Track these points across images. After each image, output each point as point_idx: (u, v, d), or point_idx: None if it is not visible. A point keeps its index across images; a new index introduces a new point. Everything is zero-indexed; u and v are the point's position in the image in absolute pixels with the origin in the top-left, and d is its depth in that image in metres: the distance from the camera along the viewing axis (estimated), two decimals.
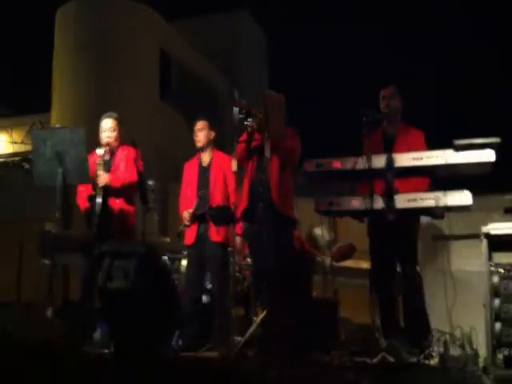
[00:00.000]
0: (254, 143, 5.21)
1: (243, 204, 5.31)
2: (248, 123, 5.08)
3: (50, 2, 15.55)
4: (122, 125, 5.84)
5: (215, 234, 5.67)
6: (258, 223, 5.10)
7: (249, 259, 6.00)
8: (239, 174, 5.26)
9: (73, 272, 7.76)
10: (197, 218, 5.78)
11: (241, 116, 5.04)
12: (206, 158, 5.97)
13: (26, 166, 5.70)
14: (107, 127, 5.75)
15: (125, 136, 5.79)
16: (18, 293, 6.59)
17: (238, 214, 5.24)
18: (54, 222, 5.23)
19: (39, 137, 5.29)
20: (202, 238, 5.76)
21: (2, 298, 6.76)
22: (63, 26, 15.26)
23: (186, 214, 5.79)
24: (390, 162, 4.68)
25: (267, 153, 4.87)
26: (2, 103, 18.68)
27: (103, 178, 5.51)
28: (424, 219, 5.19)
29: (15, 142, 15.74)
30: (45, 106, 15.39)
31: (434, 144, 4.95)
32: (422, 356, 4.36)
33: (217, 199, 5.76)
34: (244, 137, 5.21)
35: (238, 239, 5.53)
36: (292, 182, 5.40)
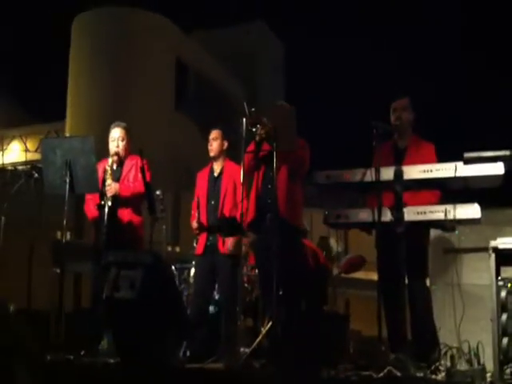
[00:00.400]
0: (261, 153, 5.18)
1: (250, 215, 5.29)
2: (256, 130, 5.05)
3: (67, 10, 15.69)
4: (130, 134, 5.84)
5: (222, 244, 5.66)
6: (265, 234, 5.08)
7: (257, 270, 5.99)
8: (246, 185, 5.23)
9: (85, 280, 7.80)
10: (205, 228, 5.78)
11: (250, 127, 5.02)
12: (217, 167, 5.99)
13: (35, 174, 5.72)
14: (116, 137, 5.75)
15: (137, 144, 5.78)
16: (28, 300, 6.62)
17: (246, 224, 5.21)
18: (65, 230, 5.25)
19: (49, 145, 5.30)
20: (210, 248, 5.76)
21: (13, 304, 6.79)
22: (80, 34, 15.42)
23: (195, 224, 5.79)
24: (399, 174, 4.65)
25: (275, 163, 4.85)
26: (17, 111, 18.81)
27: (113, 187, 5.52)
28: (435, 232, 5.15)
29: (28, 150, 15.83)
30: (59, 115, 15.52)
31: (444, 157, 4.91)
32: (428, 370, 4.30)
33: (227, 209, 5.76)
34: (252, 147, 5.19)
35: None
36: (301, 192, 5.37)
